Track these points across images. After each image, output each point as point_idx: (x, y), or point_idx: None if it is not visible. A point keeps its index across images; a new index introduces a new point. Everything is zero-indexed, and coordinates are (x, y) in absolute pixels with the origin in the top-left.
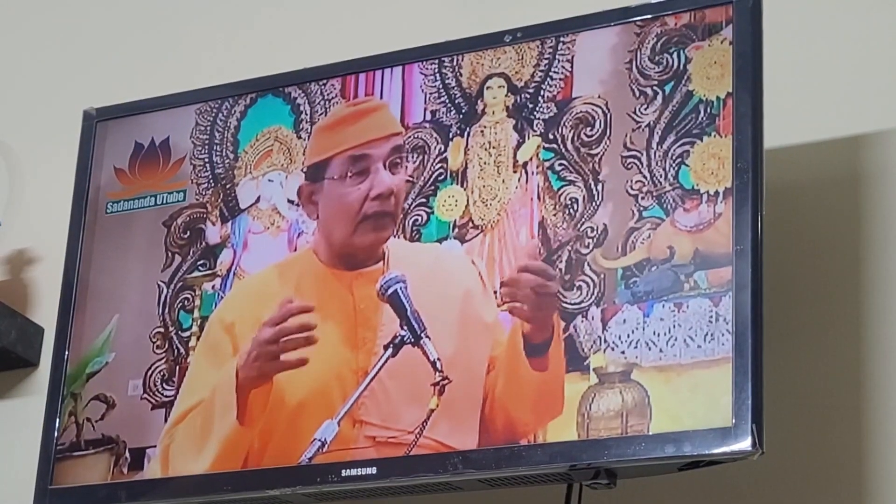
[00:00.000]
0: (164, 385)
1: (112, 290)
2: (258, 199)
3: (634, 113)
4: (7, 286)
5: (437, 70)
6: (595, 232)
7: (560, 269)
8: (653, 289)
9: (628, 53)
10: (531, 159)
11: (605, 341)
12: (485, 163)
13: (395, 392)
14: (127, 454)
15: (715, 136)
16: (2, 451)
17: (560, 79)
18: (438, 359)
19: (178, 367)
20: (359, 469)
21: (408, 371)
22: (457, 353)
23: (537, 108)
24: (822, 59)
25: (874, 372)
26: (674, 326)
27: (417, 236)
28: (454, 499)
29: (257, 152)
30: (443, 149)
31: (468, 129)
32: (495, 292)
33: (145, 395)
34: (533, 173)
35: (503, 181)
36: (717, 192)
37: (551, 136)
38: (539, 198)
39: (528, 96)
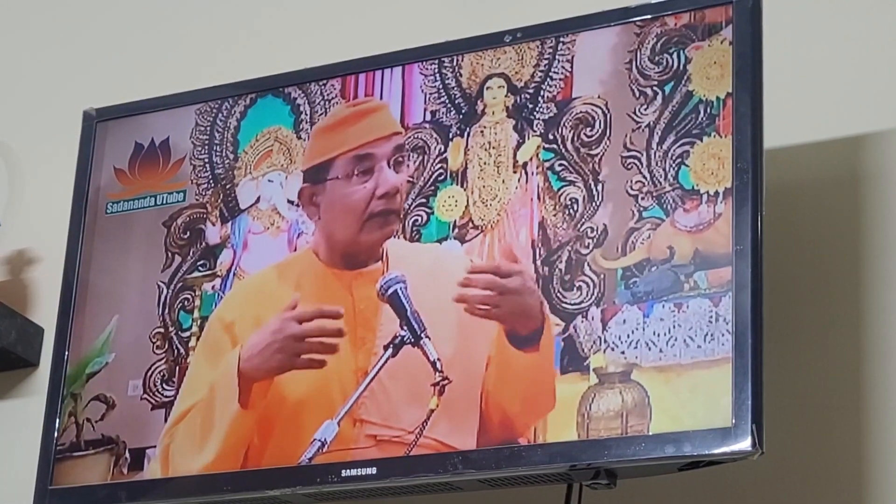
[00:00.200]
0: (164, 385)
1: (112, 290)
2: (258, 200)
3: (634, 113)
4: (7, 286)
5: (436, 70)
6: (595, 232)
7: (560, 270)
8: (653, 289)
9: (628, 54)
10: (531, 159)
11: (605, 341)
12: (485, 163)
13: (396, 392)
14: (127, 454)
15: (715, 136)
16: (2, 452)
17: (560, 79)
18: (438, 359)
19: (177, 368)
20: (359, 469)
21: (408, 371)
22: (456, 354)
23: (537, 109)
24: (822, 60)
25: (874, 372)
26: (674, 327)
27: (417, 236)
28: (454, 499)
29: (257, 153)
30: (443, 149)
31: (468, 129)
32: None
33: (145, 396)
34: (533, 173)
35: (503, 181)
36: (717, 193)
37: (551, 137)
38: (539, 198)
39: (527, 96)
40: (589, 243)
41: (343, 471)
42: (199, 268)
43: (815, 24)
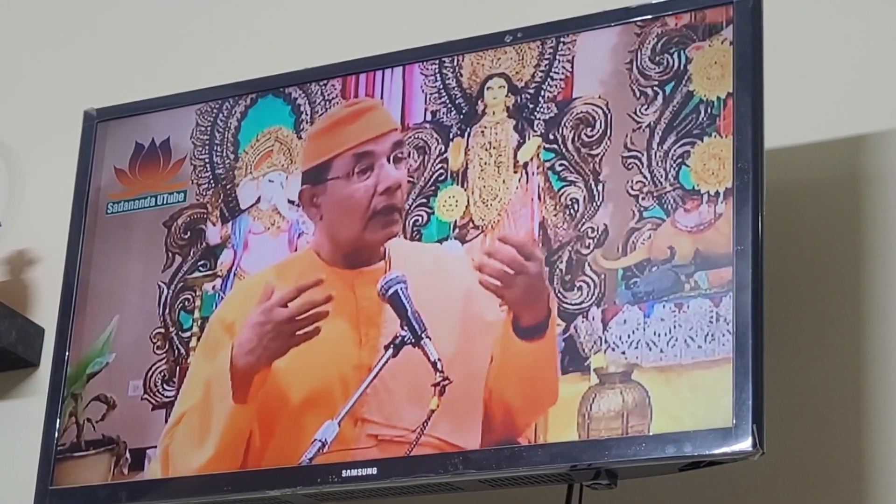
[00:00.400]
0: (165, 385)
1: (112, 290)
2: (258, 200)
3: (635, 113)
4: (7, 287)
5: (437, 70)
6: (595, 232)
7: (560, 270)
8: (653, 289)
9: (629, 54)
10: (532, 160)
11: (606, 342)
12: (485, 163)
13: (397, 392)
14: (127, 455)
15: (715, 136)
16: (2, 452)
17: (560, 79)
18: (439, 359)
19: (178, 368)
20: (359, 469)
21: (408, 372)
22: (458, 354)
23: (538, 109)
24: (823, 60)
25: (874, 372)
26: (674, 327)
27: (418, 236)
28: (455, 499)
29: (258, 153)
30: (443, 149)
31: (468, 129)
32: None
33: (146, 396)
34: (533, 174)
35: (504, 181)
36: (717, 193)
37: (552, 137)
38: (539, 198)
39: (528, 96)
40: (589, 243)
41: (343, 471)
42: (200, 268)
43: (816, 24)
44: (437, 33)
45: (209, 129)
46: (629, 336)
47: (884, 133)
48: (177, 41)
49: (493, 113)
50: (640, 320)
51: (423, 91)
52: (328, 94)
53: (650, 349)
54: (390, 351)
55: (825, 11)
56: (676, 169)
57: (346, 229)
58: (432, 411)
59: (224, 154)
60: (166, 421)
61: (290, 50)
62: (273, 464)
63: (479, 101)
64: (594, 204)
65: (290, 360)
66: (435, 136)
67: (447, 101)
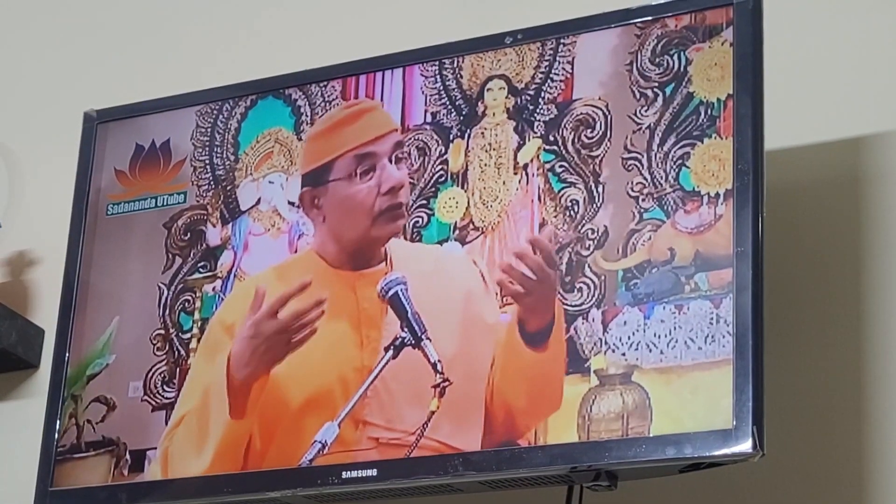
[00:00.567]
0: (165, 387)
1: (112, 291)
2: (258, 201)
3: (635, 115)
4: (7, 288)
5: (437, 72)
6: (596, 234)
7: (560, 271)
8: (653, 290)
9: (629, 55)
10: (532, 161)
11: (606, 343)
12: (485, 164)
13: (398, 394)
14: (127, 456)
15: (715, 137)
16: (2, 453)
17: (560, 80)
18: (439, 360)
19: (178, 369)
20: (359, 471)
21: (409, 373)
22: (458, 355)
23: (538, 110)
24: (823, 61)
25: (875, 373)
26: (674, 328)
27: (418, 238)
28: (455, 500)
29: (258, 154)
30: (443, 150)
31: (469, 130)
32: (497, 293)
33: (146, 397)
34: (533, 175)
35: (504, 183)
36: (717, 194)
37: (552, 138)
38: (540, 199)
39: (528, 98)
40: (590, 245)
41: (344, 472)
42: (200, 269)
43: (816, 25)
44: (438, 35)
45: (209, 130)
46: (629, 337)
47: (884, 134)
48: (177, 42)
49: (494, 114)
50: (641, 322)
51: (423, 92)
52: (328, 96)
53: (650, 350)
54: (390, 352)
55: (825, 12)
56: (676, 170)
57: (351, 230)
58: (432, 413)
59: (224, 155)
60: (166, 422)
61: (291, 51)
62: (273, 465)
63: (480, 103)
64: (594, 205)
65: (290, 364)
66: (435, 137)
67: (447, 103)
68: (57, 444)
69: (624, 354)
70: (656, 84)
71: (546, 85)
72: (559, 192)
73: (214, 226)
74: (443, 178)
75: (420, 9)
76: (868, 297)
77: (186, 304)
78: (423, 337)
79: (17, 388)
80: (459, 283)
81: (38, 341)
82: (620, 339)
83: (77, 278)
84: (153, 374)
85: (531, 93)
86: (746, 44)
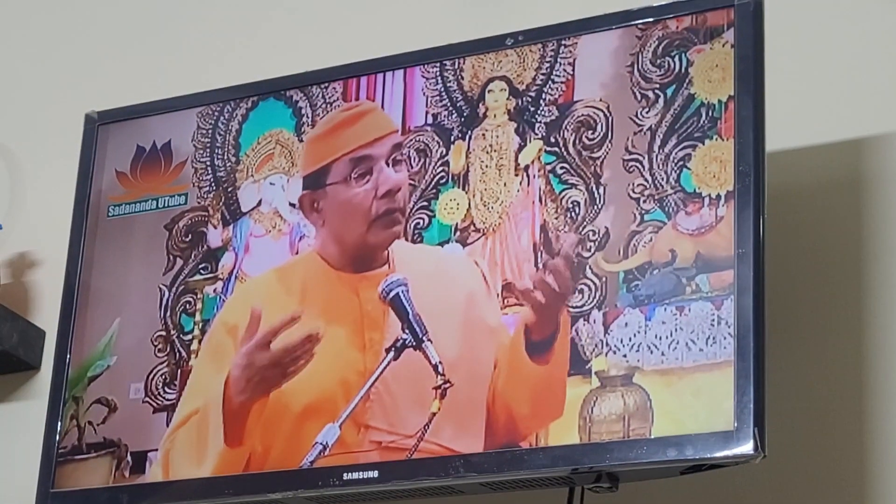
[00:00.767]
0: (166, 388)
1: (114, 293)
2: (259, 203)
3: (636, 116)
4: (9, 289)
5: (438, 73)
6: (597, 235)
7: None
8: (654, 292)
9: (630, 57)
10: (533, 162)
11: (607, 345)
12: (486, 166)
13: (400, 396)
14: (128, 458)
15: (717, 139)
16: (3, 455)
17: (561, 82)
18: (440, 362)
19: (179, 371)
20: (360, 472)
21: (410, 375)
22: (460, 357)
23: (539, 112)
24: (824, 63)
25: (876, 375)
26: (676, 330)
27: (419, 239)
28: (456, 502)
29: (259, 155)
30: (444, 152)
31: (469, 132)
32: (498, 295)
33: (147, 399)
34: (534, 176)
35: (505, 184)
36: (718, 196)
37: (553, 140)
38: (541, 201)
39: (529, 99)
40: (591, 246)
41: (345, 474)
42: (201, 271)
43: (817, 27)
44: (439, 36)
45: (210, 131)
46: (630, 339)
47: (885, 136)
48: (178, 44)
49: (495, 116)
50: (642, 323)
51: (424, 94)
52: (329, 97)
53: (651, 352)
54: (391, 354)
55: (826, 14)
56: (678, 172)
57: (349, 234)
58: (433, 414)
59: (225, 157)
60: (167, 424)
61: (292, 52)
62: (274, 467)
63: (481, 104)
64: (595, 207)
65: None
66: (436, 138)
67: (448, 104)
68: (58, 446)
69: (625, 356)
70: (657, 85)
71: (547, 86)
72: (560, 193)
73: (215, 227)
74: (444, 180)
75: (421, 10)
76: (869, 299)
77: (187, 305)
78: (424, 338)
79: (19, 389)
80: (461, 285)
81: (40, 343)
82: (622, 341)
83: (78, 280)
84: (154, 375)
85: (532, 94)
86: (748, 45)
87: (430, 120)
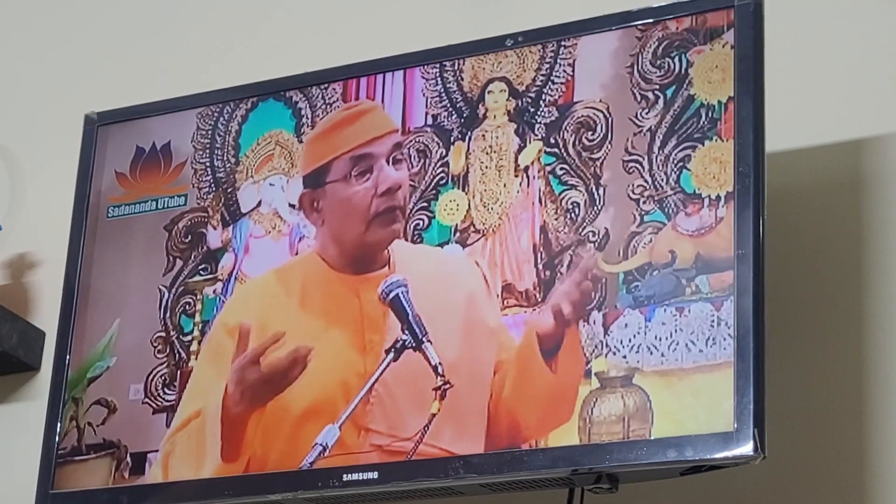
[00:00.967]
0: (166, 389)
1: (113, 294)
2: (259, 203)
3: (636, 117)
4: (8, 290)
5: (438, 74)
6: (596, 236)
7: (561, 274)
8: (654, 293)
9: (630, 57)
10: (532, 163)
11: (607, 346)
12: (486, 167)
13: (400, 397)
14: (128, 459)
15: (716, 140)
16: (3, 456)
17: (561, 83)
18: (440, 363)
19: (179, 372)
20: (360, 474)
21: (410, 376)
22: (460, 358)
23: (539, 112)
24: (824, 63)
25: (876, 376)
26: (675, 331)
27: (419, 240)
28: (456, 503)
29: (258, 156)
30: (444, 153)
31: (469, 133)
32: (498, 295)
33: (146, 400)
34: (534, 177)
35: (504, 185)
36: (718, 197)
37: (553, 141)
38: (540, 202)
39: (529, 100)
40: (590, 247)
41: (345, 475)
42: (201, 272)
43: (817, 27)
44: (439, 37)
45: (210, 132)
46: (630, 340)
47: (885, 136)
48: (178, 45)
49: (494, 117)
50: (642, 324)
51: (423, 95)
52: (329, 98)
53: (651, 353)
54: (391, 355)
55: (826, 15)
56: (677, 173)
57: (349, 233)
58: (433, 415)
59: (225, 158)
60: (167, 425)
61: (291, 53)
62: (274, 468)
63: (480, 105)
64: (595, 208)
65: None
66: (436, 139)
67: (448, 105)
68: (57, 447)
69: (625, 357)
70: (657, 86)
71: (547, 87)
72: (560, 194)
73: (215, 228)
74: (443, 181)
75: (421, 11)
76: (869, 300)
77: (187, 306)
78: (423, 339)
79: (18, 390)
80: (461, 286)
81: (39, 344)
82: (621, 342)
83: (78, 281)
84: (154, 376)
85: (532, 95)
86: (747, 46)
87: (429, 121)
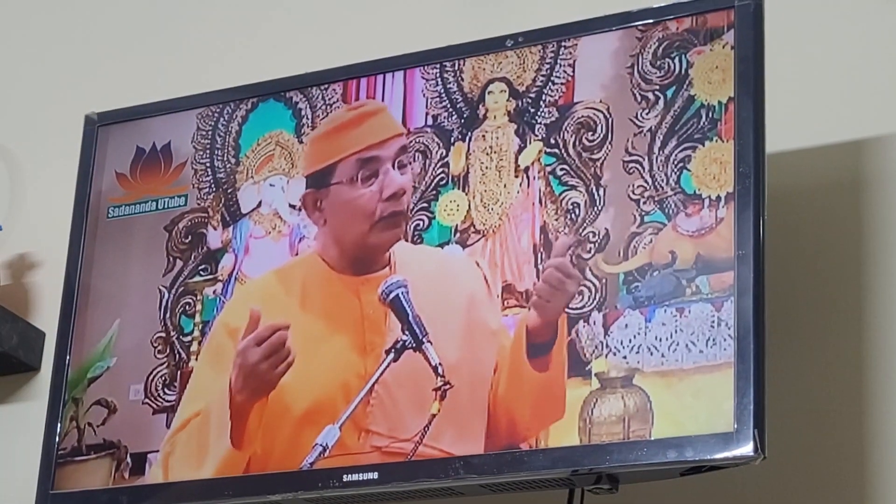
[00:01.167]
0: (166, 390)
1: (113, 294)
2: (259, 204)
3: (636, 118)
4: (8, 291)
5: (438, 74)
6: (597, 237)
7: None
8: (655, 294)
9: (630, 58)
10: (533, 164)
11: (607, 346)
12: (486, 167)
13: (400, 398)
14: (128, 459)
15: (717, 140)
16: (3, 456)
17: (561, 83)
18: (440, 363)
19: (179, 372)
20: (360, 474)
21: (410, 376)
22: (460, 358)
23: (539, 113)
24: (824, 64)
25: (876, 376)
26: (676, 331)
27: (419, 241)
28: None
29: (259, 157)
30: (444, 153)
31: (470, 133)
32: (498, 296)
33: (146, 400)
34: (534, 178)
35: (505, 186)
36: (718, 197)
37: (553, 141)
38: (541, 202)
39: (529, 101)
40: (591, 248)
41: (345, 475)
42: (201, 272)
43: (817, 28)
44: (439, 37)
45: (210, 133)
46: (630, 340)
47: (885, 137)
48: (178, 45)
49: (495, 117)
50: (642, 325)
51: (424, 95)
52: (329, 99)
53: (651, 354)
54: (391, 355)
55: (826, 15)
56: (678, 173)
57: (351, 235)
58: (433, 416)
59: (225, 158)
60: (167, 425)
61: (292, 54)
62: (274, 468)
63: (481, 106)
64: (595, 208)
65: (293, 375)
66: (436, 140)
67: (448, 106)
68: (58, 447)
69: (625, 357)
70: (657, 87)
71: (547, 88)
72: (560, 194)
73: (215, 228)
74: (444, 181)
75: (421, 11)
76: (869, 300)
77: (187, 307)
78: (423, 340)
79: (18, 390)
80: (462, 286)
81: (39, 344)
82: (622, 343)
83: (78, 281)
84: (154, 377)
85: (532, 95)
86: (748, 47)
87: (429, 121)
